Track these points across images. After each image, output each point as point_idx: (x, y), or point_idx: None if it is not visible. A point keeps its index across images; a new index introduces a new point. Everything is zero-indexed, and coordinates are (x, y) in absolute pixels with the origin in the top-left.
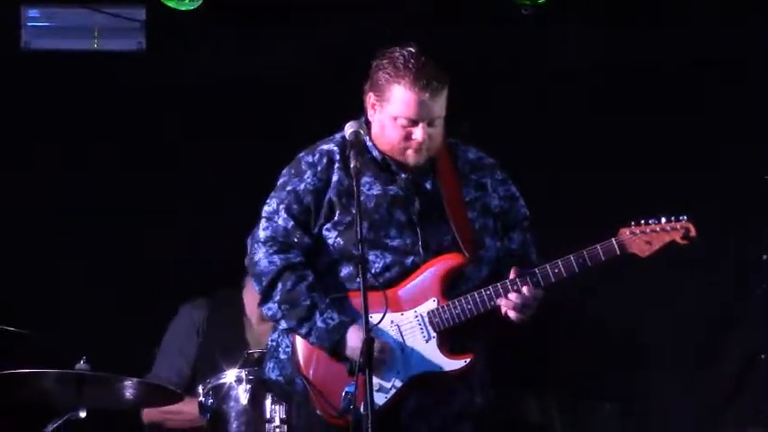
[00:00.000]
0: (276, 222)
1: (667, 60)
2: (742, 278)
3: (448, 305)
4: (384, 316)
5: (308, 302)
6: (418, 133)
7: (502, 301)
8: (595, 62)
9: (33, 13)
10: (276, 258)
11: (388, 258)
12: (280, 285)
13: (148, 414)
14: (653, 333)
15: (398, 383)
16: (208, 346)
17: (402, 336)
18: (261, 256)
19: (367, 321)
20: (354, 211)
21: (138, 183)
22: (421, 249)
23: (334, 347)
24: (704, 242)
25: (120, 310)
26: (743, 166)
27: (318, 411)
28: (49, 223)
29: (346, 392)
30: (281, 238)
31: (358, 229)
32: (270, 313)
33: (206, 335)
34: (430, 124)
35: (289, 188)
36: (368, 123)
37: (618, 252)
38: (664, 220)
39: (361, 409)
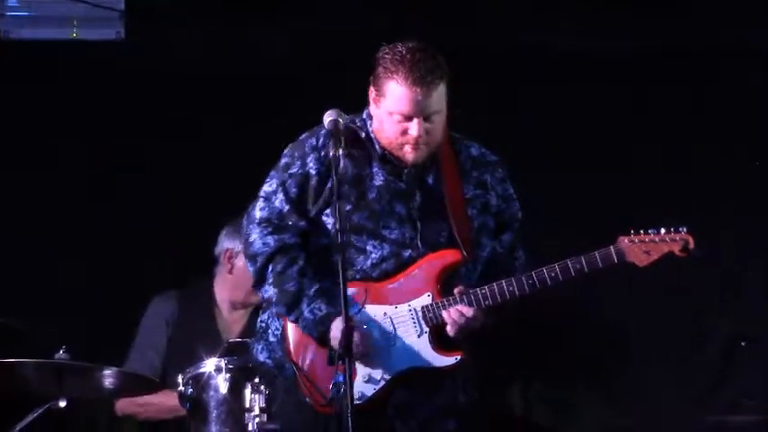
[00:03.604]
0: (273, 204)
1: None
2: (726, 267)
3: (442, 301)
4: (360, 310)
5: (294, 288)
6: (414, 128)
7: (445, 315)
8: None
9: (12, 2)
10: (270, 239)
11: (386, 250)
12: (271, 267)
13: (122, 408)
14: (637, 321)
15: (387, 376)
16: (178, 337)
17: (395, 329)
18: (255, 236)
19: (346, 311)
20: (353, 200)
21: (113, 173)
22: (419, 243)
23: (321, 338)
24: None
25: (99, 300)
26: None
27: (307, 399)
28: (24, 213)
29: (335, 382)
30: (275, 220)
31: (337, 218)
32: (266, 295)
33: (176, 326)
34: (426, 119)
35: (291, 171)
36: (371, 117)
37: (615, 260)
38: (663, 230)
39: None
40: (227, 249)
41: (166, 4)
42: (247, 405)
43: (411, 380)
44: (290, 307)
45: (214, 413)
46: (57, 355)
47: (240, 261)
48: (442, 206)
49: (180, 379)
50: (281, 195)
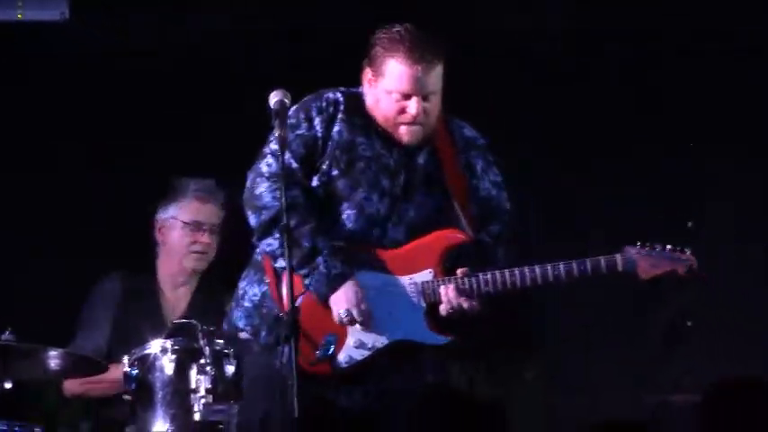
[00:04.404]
0: (281, 161)
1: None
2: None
3: (443, 279)
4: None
5: (308, 244)
6: (412, 107)
7: (442, 293)
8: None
9: None
10: (280, 194)
11: (358, 223)
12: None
13: (70, 388)
14: (580, 298)
15: (379, 345)
16: (123, 317)
17: (393, 299)
18: (264, 189)
19: (292, 293)
20: (342, 166)
21: (61, 155)
22: (391, 223)
23: (327, 295)
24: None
25: (46, 281)
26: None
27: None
28: (21, 213)
29: (324, 342)
30: (286, 176)
31: (281, 195)
32: (269, 249)
33: (120, 307)
34: (424, 99)
35: (298, 131)
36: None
37: (620, 268)
38: (669, 247)
39: (339, 360)
40: (156, 221)
41: None
42: (193, 386)
43: (395, 352)
44: (303, 262)
45: (159, 394)
46: (2, 337)
47: (170, 229)
48: (430, 186)
49: (125, 360)
50: (288, 153)
